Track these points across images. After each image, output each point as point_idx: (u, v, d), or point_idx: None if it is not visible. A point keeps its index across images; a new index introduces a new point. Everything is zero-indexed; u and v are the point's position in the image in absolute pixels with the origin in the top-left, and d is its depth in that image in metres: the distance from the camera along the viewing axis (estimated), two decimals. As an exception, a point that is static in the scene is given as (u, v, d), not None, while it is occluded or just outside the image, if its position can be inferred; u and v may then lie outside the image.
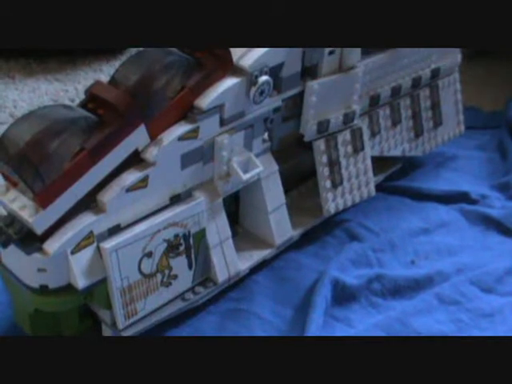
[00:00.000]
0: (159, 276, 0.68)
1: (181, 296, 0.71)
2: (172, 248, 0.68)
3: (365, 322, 0.73)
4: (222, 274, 0.73)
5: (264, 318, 0.73)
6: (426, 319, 0.73)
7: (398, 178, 0.98)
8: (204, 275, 0.73)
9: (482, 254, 0.84)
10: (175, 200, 0.68)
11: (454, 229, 0.90)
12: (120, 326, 0.66)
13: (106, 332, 0.68)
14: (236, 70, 0.69)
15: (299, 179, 0.89)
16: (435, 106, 0.96)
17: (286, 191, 0.80)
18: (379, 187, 0.91)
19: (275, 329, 0.72)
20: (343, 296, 0.76)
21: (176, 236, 0.68)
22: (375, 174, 0.89)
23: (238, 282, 0.78)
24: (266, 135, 0.76)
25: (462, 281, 0.79)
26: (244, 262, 0.77)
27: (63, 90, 1.19)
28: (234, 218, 0.80)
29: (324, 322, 0.72)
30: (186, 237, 0.69)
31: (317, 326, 0.70)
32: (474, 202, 0.94)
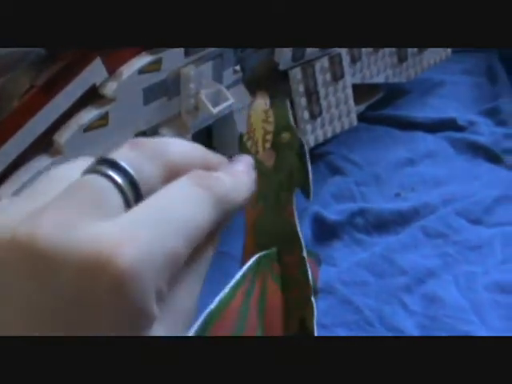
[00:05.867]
0: (127, 220, 0.64)
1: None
2: (139, 190, 0.64)
3: (348, 260, 0.70)
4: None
5: (239, 260, 0.69)
6: (412, 255, 0.69)
7: (381, 107, 0.93)
8: (176, 217, 0.69)
9: (469, 184, 0.80)
10: None
11: (441, 158, 0.86)
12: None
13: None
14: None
15: (276, 111, 0.84)
16: (420, 29, 0.90)
17: (262, 124, 0.76)
18: (362, 117, 0.87)
19: (252, 271, 0.69)
20: (325, 233, 0.73)
21: (143, 177, 0.64)
22: (357, 103, 0.84)
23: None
24: (237, 65, 0.71)
25: (449, 212, 0.75)
26: (219, 201, 0.73)
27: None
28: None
29: (304, 261, 0.69)
30: None
31: (297, 266, 0.67)
32: (461, 128, 0.90)
